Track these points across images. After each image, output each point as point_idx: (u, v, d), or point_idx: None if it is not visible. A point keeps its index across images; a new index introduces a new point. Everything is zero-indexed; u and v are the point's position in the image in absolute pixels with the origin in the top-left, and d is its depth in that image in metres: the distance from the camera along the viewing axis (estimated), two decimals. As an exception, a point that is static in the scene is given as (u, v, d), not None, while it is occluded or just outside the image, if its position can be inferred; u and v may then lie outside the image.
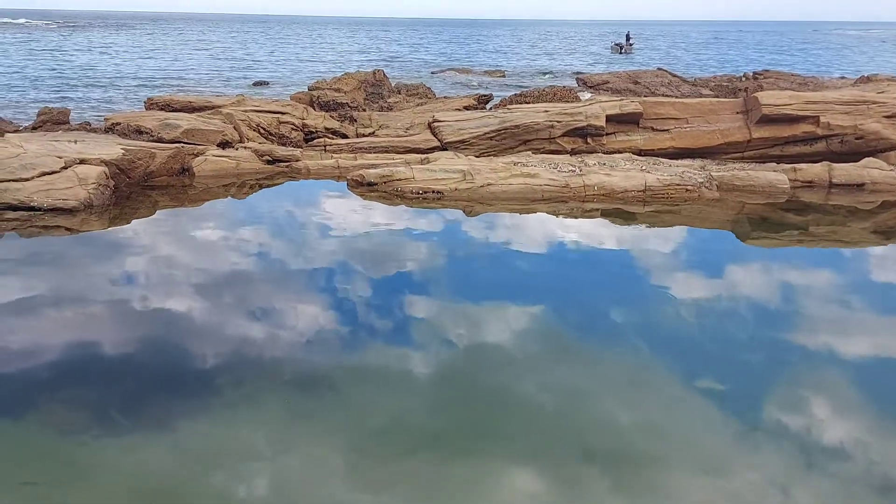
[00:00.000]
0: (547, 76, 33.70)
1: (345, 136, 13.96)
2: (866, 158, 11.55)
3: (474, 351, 6.08)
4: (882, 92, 12.62)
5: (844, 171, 11.20)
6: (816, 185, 11.12)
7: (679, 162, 12.06)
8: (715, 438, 4.92)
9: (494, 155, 12.38)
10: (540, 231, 9.36)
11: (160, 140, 12.19)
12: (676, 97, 18.58)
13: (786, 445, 4.80)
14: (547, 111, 12.97)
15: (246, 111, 13.84)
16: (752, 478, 4.50)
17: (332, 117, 14.99)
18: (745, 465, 4.61)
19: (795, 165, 11.48)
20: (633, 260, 8.50)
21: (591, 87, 23.52)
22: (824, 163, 11.49)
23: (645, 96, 20.11)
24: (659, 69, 26.13)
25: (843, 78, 25.49)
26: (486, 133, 12.65)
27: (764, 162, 12.22)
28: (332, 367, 5.75)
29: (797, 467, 4.61)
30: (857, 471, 4.59)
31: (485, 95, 19.00)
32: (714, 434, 4.96)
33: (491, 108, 16.44)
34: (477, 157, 12.06)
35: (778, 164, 11.92)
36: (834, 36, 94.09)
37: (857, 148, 11.89)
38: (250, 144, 12.54)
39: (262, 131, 13.45)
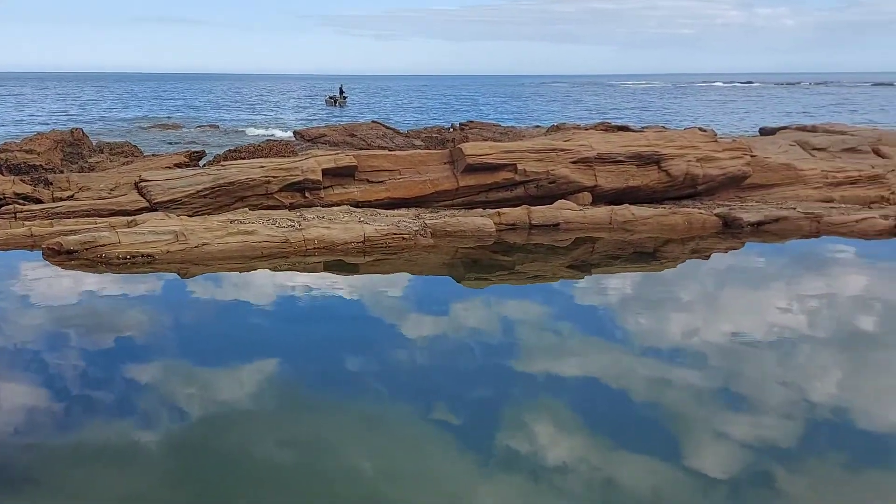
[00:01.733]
0: (262, 131, 33.50)
1: (39, 201, 12.76)
2: (559, 200, 12.73)
3: (208, 415, 5.83)
4: (568, 140, 14.03)
5: (541, 213, 12.25)
6: (518, 227, 12.04)
7: (395, 212, 12.48)
8: (455, 472, 5.13)
9: (209, 213, 11.98)
10: (265, 287, 9.21)
11: None
12: (391, 149, 19.27)
13: (518, 469, 5.10)
14: (263, 166, 12.83)
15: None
16: (491, 503, 4.75)
17: (24, 181, 13.65)
18: (483, 494, 4.85)
19: (499, 210, 12.36)
20: (362, 308, 8.63)
21: (308, 140, 23.69)
22: (524, 206, 12.49)
23: (361, 149, 20.62)
24: (374, 122, 27.00)
25: (537, 126, 28.01)
26: (199, 191, 12.22)
27: (472, 207, 13.01)
28: (46, 454, 5.16)
29: (529, 489, 4.91)
30: (580, 484, 4.98)
31: (197, 152, 18.40)
32: (453, 468, 5.17)
33: (204, 165, 15.93)
34: (190, 216, 11.59)
35: (484, 209, 12.75)
36: (532, 88, 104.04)
37: (550, 191, 13.07)
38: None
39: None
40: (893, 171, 14.72)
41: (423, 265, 10.46)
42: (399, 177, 13.15)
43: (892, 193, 13.99)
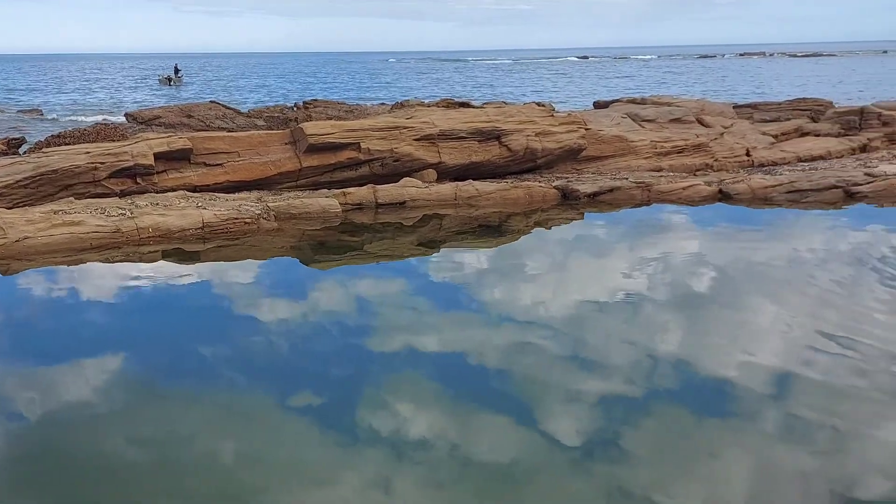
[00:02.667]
0: (90, 115, 31.41)
1: None
2: (404, 178, 12.70)
3: (52, 417, 5.44)
4: (411, 117, 14.01)
5: (387, 192, 12.19)
6: (365, 207, 11.92)
7: (236, 196, 12.03)
8: (317, 455, 5.03)
9: (31, 205, 11.07)
10: (101, 280, 8.67)
11: None
12: (232, 130, 18.58)
13: (380, 447, 5.06)
14: (89, 152, 11.99)
15: None
16: (355, 482, 4.69)
17: None
18: (347, 472, 4.78)
19: (345, 190, 12.19)
20: (208, 295, 8.30)
21: (142, 122, 22.40)
22: (369, 185, 12.38)
23: (200, 130, 19.75)
24: (212, 102, 25.91)
25: (382, 104, 27.85)
26: (18, 181, 11.27)
27: (317, 189, 12.75)
28: None
29: (392, 463, 4.89)
30: (441, 455, 5.00)
31: (16, 139, 17.05)
32: (316, 451, 5.08)
33: (24, 153, 14.73)
34: (10, 208, 10.67)
35: (329, 189, 12.53)
36: (377, 65, 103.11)
37: (395, 169, 13.02)
38: None
39: None
40: (716, 139, 15.72)
41: (269, 249, 10.15)
42: (238, 159, 12.68)
43: (716, 160, 14.95)
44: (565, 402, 5.70)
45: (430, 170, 13.16)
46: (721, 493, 4.65)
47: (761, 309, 7.63)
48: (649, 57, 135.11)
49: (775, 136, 16.82)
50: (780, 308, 7.61)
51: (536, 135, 13.84)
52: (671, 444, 5.19)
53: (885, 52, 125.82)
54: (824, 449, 5.06)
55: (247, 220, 10.77)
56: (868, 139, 16.77)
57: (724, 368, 6.22)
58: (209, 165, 12.54)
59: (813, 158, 15.48)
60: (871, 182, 12.69)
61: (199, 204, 11.17)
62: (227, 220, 10.61)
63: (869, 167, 13.55)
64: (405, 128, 13.25)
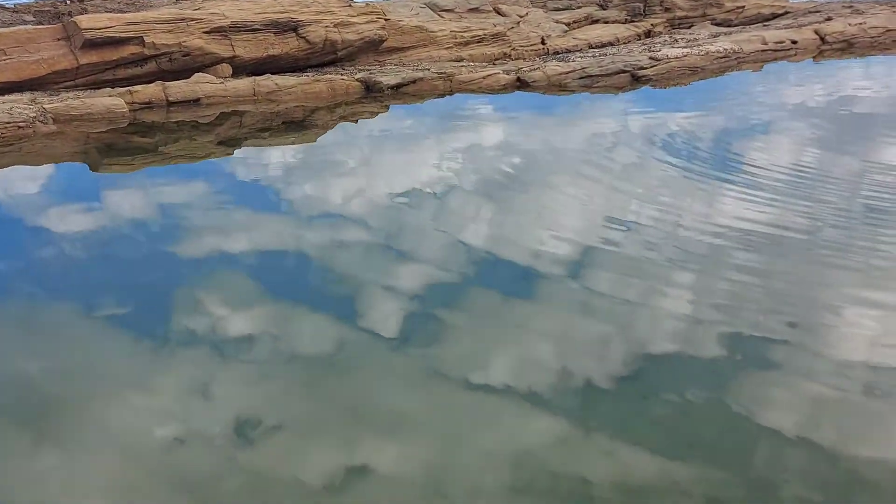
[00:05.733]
0: None
1: None
2: (197, 74, 11.96)
3: None
4: (199, 9, 13.07)
5: (178, 89, 11.45)
6: (155, 105, 11.17)
7: (5, 98, 10.83)
8: (129, 363, 4.80)
9: None
10: None
11: None
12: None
13: (198, 347, 4.92)
14: None
15: None
16: (175, 387, 4.55)
17: None
18: (165, 378, 4.63)
19: (130, 88, 11.34)
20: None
21: None
22: (158, 82, 11.57)
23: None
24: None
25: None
26: None
27: (99, 87, 11.73)
28: None
29: (213, 364, 4.77)
30: (263, 352, 4.93)
31: None
32: (127, 360, 4.84)
33: None
34: None
35: (113, 88, 11.58)
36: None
37: (186, 65, 12.20)
38: None
39: None
40: (513, 28, 15.98)
41: (50, 155, 9.32)
42: (5, 58, 11.36)
43: (513, 50, 15.24)
44: (382, 293, 5.74)
45: (225, 64, 12.47)
46: (530, 359, 4.93)
47: (561, 191, 8.00)
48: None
49: (568, 24, 17.34)
50: (577, 189, 8.02)
51: (335, 26, 13.42)
52: (483, 324, 5.40)
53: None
54: (620, 315, 5.47)
55: (20, 125, 9.78)
56: (652, 24, 17.75)
57: (530, 249, 6.50)
58: (-30, 65, 11.16)
59: (603, 45, 16.18)
60: (655, 65, 13.49)
61: (-36, 110, 9.96)
62: (-3, 124, 9.56)
63: (653, 51, 14.37)
64: (193, 20, 12.39)
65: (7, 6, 22.05)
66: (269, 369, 4.78)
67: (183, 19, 12.36)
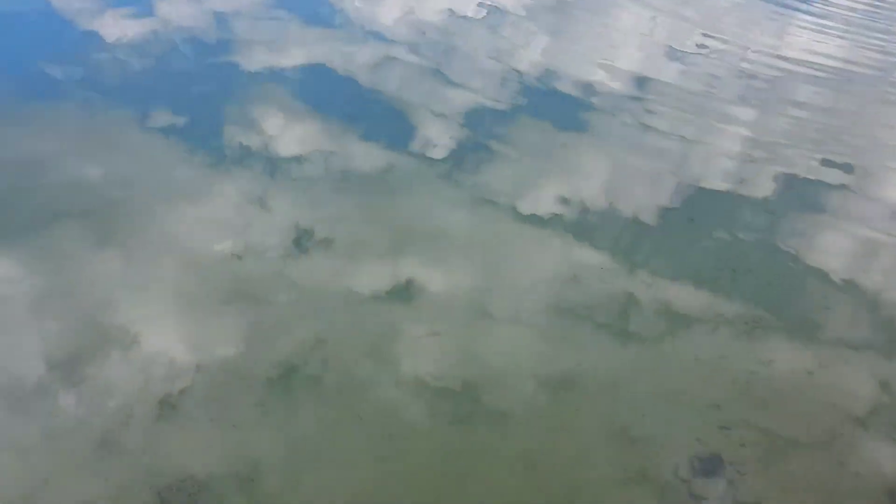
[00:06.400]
0: None
1: None
2: None
3: None
4: None
5: None
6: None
7: None
8: (187, 171, 4.89)
9: None
10: None
11: None
12: None
13: (252, 162, 5.00)
14: None
15: None
16: (230, 197, 4.67)
17: None
18: (221, 188, 4.74)
19: None
20: (47, 14, 7.34)
21: None
22: None
23: None
24: None
25: None
26: None
27: None
28: None
29: (266, 179, 4.86)
30: (318, 169, 5.00)
31: None
32: (183, 170, 4.91)
33: None
34: None
35: None
36: None
37: None
38: None
39: None
40: None
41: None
42: None
43: None
44: (432, 119, 5.69)
45: None
46: (578, 191, 4.93)
47: (619, 17, 7.63)
48: None
49: None
50: (636, 17, 7.61)
51: None
52: (532, 154, 5.36)
53: None
54: (674, 151, 5.38)
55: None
56: None
57: (584, 80, 6.32)
58: None
59: None
60: None
61: None
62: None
63: None
64: None
65: None
66: (322, 188, 4.86)
67: None
